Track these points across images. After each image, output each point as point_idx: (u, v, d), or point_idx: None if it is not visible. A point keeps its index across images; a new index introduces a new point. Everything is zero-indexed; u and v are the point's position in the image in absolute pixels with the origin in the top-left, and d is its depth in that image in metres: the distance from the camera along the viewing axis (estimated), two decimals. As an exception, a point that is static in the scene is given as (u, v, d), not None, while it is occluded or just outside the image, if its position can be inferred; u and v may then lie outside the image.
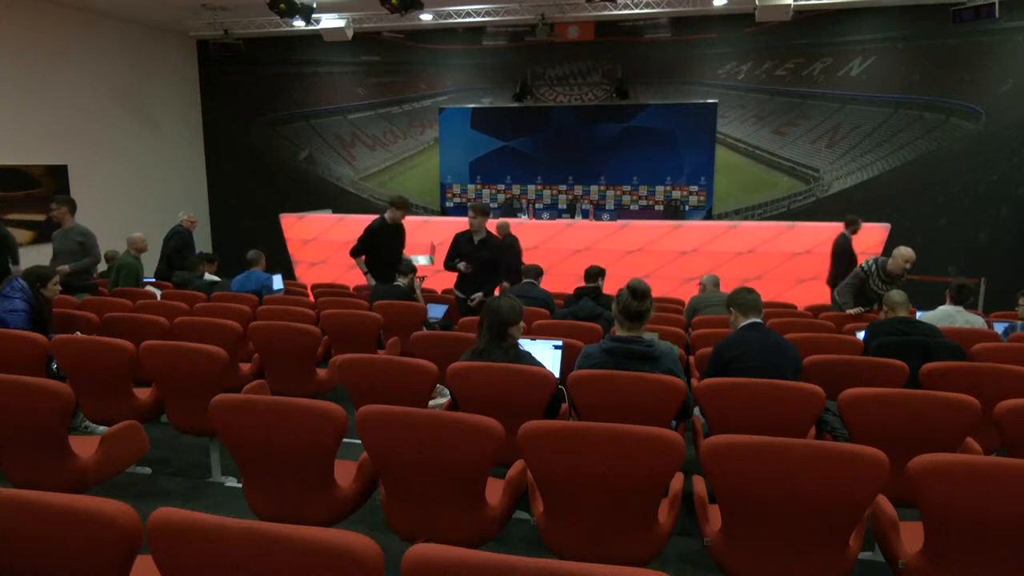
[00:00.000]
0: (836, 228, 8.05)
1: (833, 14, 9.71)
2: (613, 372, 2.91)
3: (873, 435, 2.64)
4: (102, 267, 7.45)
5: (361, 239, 6.03)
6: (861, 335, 4.22)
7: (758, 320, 3.41)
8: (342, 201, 11.75)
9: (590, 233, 8.69)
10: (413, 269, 5.99)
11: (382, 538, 1.64)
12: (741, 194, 10.49)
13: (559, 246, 8.65)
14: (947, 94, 9.53)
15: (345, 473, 2.57)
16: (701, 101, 10.41)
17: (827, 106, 10.02)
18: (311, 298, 6.68)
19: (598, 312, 4.65)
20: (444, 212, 11.38)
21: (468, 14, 10.15)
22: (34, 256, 8.33)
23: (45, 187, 9.20)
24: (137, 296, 5.86)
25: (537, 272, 5.87)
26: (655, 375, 2.87)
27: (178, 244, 7.41)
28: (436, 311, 5.98)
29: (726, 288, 5.73)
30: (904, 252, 5.31)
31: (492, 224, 6.93)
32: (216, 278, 7.01)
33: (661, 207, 10.60)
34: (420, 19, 10.17)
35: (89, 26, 9.87)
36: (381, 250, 6.05)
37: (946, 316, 4.82)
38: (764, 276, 8.10)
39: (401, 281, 5.87)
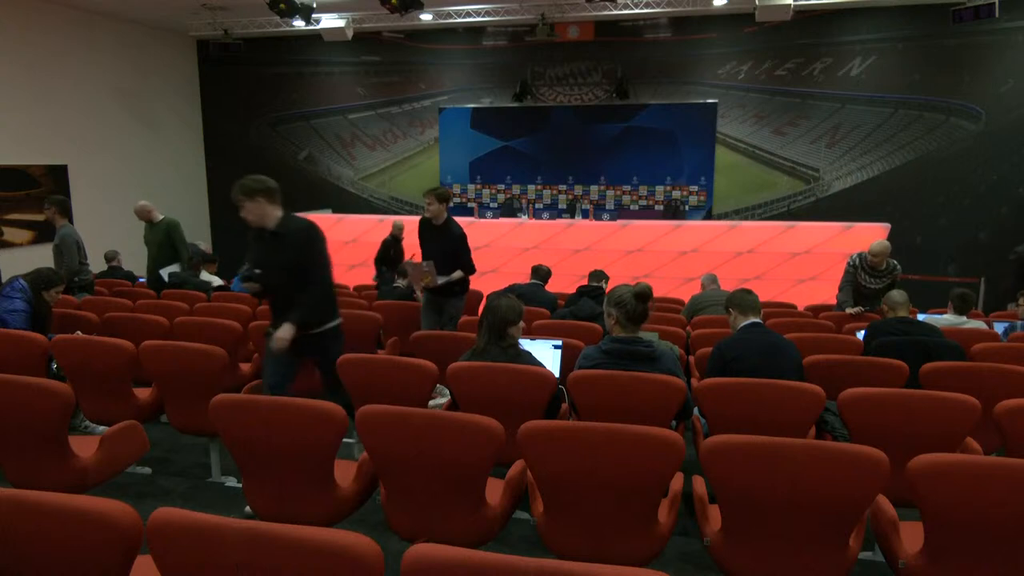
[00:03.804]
0: (836, 228, 8.07)
1: (833, 14, 9.71)
2: (613, 372, 2.91)
3: (873, 435, 2.64)
4: (102, 267, 7.45)
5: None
6: (861, 335, 4.22)
7: (758, 320, 3.42)
8: (342, 201, 11.75)
9: (590, 233, 8.68)
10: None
11: (382, 538, 1.65)
12: (741, 194, 10.49)
13: (559, 246, 8.65)
14: (947, 94, 9.52)
15: (345, 473, 2.57)
16: (701, 101, 10.41)
17: (827, 106, 10.02)
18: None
19: (599, 312, 4.65)
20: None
21: (468, 14, 10.15)
22: (36, 256, 8.34)
23: (45, 187, 9.20)
24: (137, 296, 5.86)
25: (545, 274, 5.79)
26: (655, 375, 2.87)
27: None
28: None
29: (726, 288, 5.74)
30: (875, 248, 5.40)
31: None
32: (215, 278, 7.01)
33: (661, 207, 10.59)
34: (420, 19, 10.17)
35: (89, 26, 9.86)
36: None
37: (956, 324, 4.87)
38: (764, 276, 8.10)
39: (400, 283, 5.88)
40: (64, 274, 5.79)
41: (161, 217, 6.60)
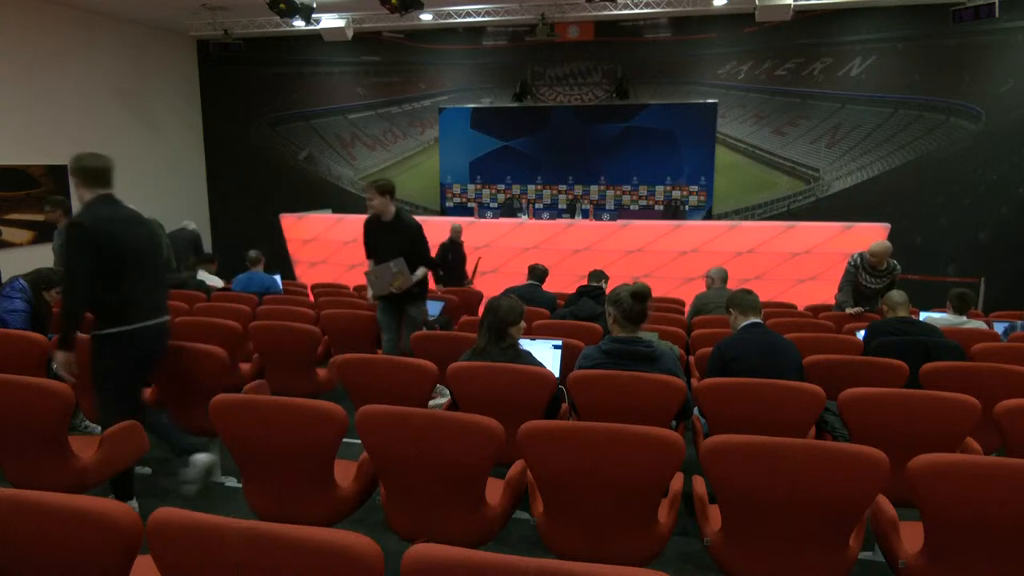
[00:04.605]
0: (836, 228, 8.07)
1: (833, 14, 9.71)
2: (613, 372, 2.91)
3: (873, 435, 2.64)
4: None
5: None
6: (861, 335, 4.22)
7: (758, 320, 3.42)
8: (342, 201, 11.75)
9: (590, 233, 8.68)
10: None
11: (382, 538, 1.64)
12: (741, 194, 10.49)
13: (559, 246, 8.65)
14: (947, 94, 9.52)
15: (345, 473, 2.57)
16: (701, 101, 10.41)
17: (827, 106, 10.02)
18: (311, 298, 6.68)
19: (599, 312, 4.65)
20: (444, 212, 11.38)
21: (468, 14, 10.15)
22: (36, 256, 8.34)
23: (45, 187, 9.19)
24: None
25: (541, 274, 5.79)
26: (655, 375, 2.87)
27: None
28: (433, 308, 5.98)
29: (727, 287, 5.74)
30: (875, 248, 5.42)
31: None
32: (216, 279, 7.00)
33: (661, 207, 10.60)
34: (420, 19, 10.17)
35: (89, 26, 9.86)
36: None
37: (956, 324, 4.88)
38: (764, 276, 8.10)
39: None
40: None
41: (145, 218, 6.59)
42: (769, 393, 2.87)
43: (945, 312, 5.26)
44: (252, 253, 6.56)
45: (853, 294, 5.58)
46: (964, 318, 5.00)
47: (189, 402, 3.49)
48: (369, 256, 4.74)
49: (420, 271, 4.58)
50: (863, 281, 5.51)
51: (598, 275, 5.45)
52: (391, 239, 4.55)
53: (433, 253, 7.02)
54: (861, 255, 5.55)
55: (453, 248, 7.84)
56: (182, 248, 7.38)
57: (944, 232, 9.71)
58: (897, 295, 4.16)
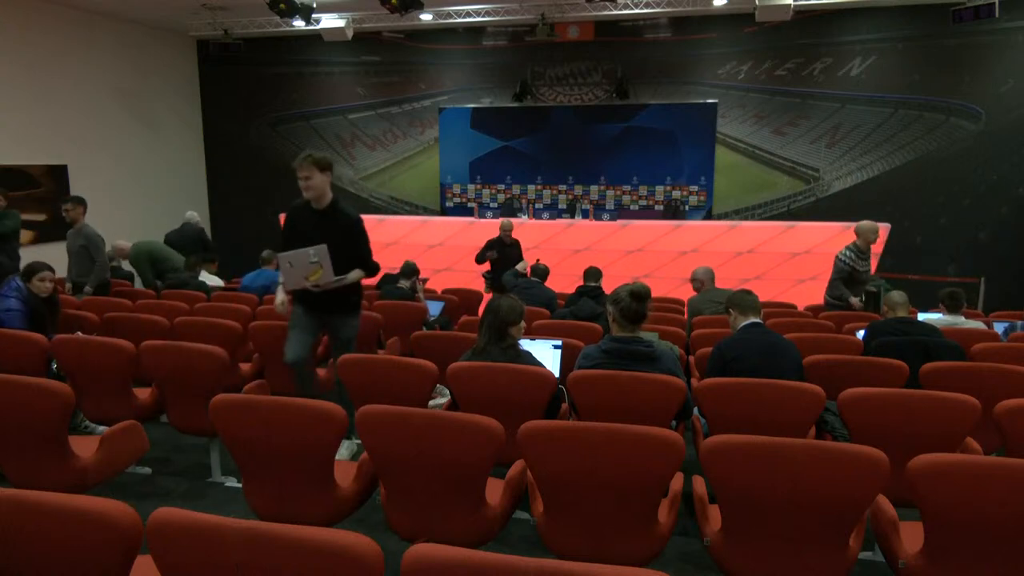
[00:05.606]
0: (836, 228, 8.07)
1: (833, 14, 9.70)
2: (613, 372, 2.91)
3: (873, 435, 2.64)
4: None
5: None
6: (861, 335, 4.22)
7: (758, 320, 3.42)
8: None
9: (590, 233, 8.69)
10: (415, 271, 6.03)
11: (382, 538, 1.64)
12: (741, 194, 10.48)
13: (559, 246, 8.66)
14: (947, 94, 9.52)
15: (345, 473, 2.57)
16: (701, 101, 10.41)
17: (827, 106, 10.02)
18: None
19: (598, 312, 4.65)
20: (444, 212, 11.38)
21: (468, 14, 10.15)
22: (37, 256, 8.33)
23: (45, 187, 9.19)
24: (137, 296, 5.86)
25: (543, 271, 5.84)
26: (655, 375, 2.87)
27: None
28: (433, 308, 6.00)
29: (725, 286, 5.75)
30: (867, 226, 5.60)
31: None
32: (216, 279, 7.01)
33: (661, 207, 10.59)
34: (420, 19, 10.17)
35: (89, 26, 9.86)
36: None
37: (952, 323, 4.89)
38: (764, 276, 8.10)
39: (403, 283, 5.89)
40: (98, 272, 5.88)
41: (130, 245, 6.79)
42: (769, 393, 2.87)
43: (940, 313, 5.27)
44: (265, 253, 6.80)
45: (850, 287, 5.66)
46: (961, 317, 5.01)
47: (189, 402, 3.49)
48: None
49: (355, 273, 3.67)
50: (860, 268, 5.59)
51: (595, 274, 5.45)
52: (322, 233, 3.60)
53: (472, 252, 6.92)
54: (850, 249, 5.65)
55: (499, 246, 7.46)
56: (188, 246, 7.40)
57: (944, 232, 9.71)
58: (897, 295, 4.17)
